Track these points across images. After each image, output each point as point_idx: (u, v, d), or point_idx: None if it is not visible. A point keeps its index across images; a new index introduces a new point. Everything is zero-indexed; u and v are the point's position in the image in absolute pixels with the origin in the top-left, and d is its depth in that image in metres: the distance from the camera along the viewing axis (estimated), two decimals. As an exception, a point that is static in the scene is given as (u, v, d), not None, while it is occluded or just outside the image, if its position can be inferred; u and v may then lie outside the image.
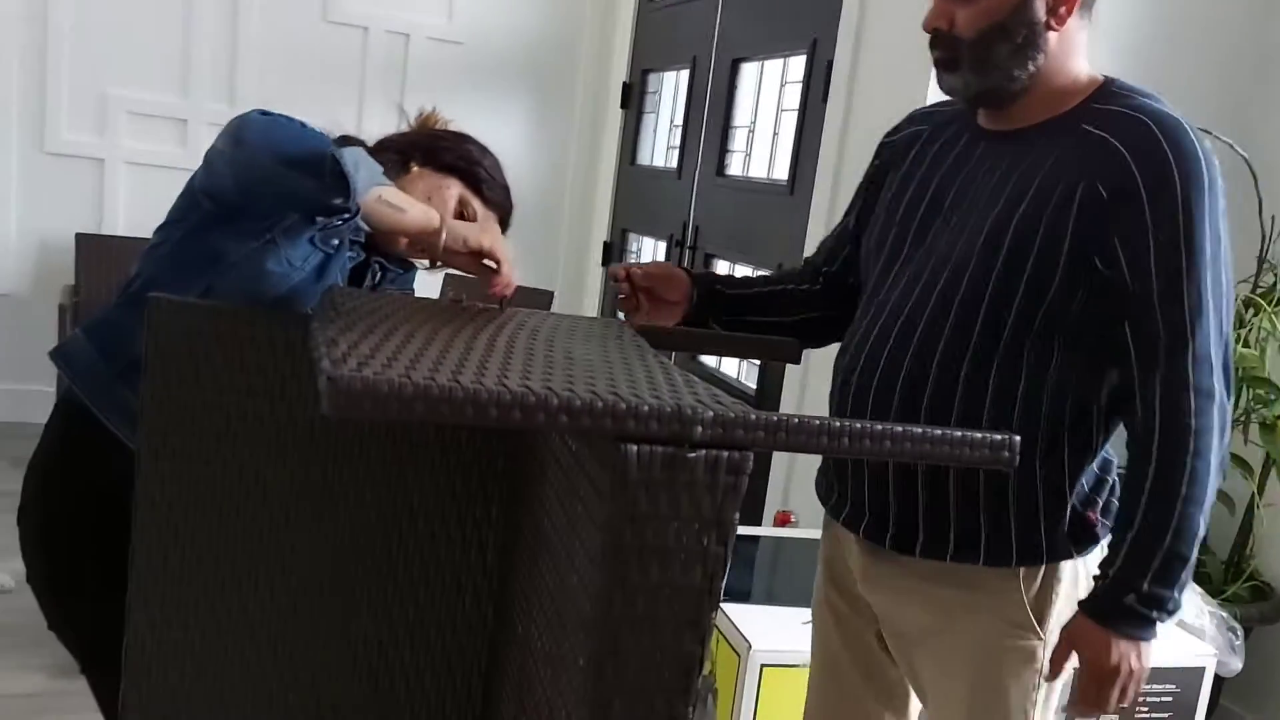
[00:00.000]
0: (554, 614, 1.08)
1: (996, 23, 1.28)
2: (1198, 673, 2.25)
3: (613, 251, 4.75)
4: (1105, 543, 1.34)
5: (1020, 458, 1.27)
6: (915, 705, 1.56)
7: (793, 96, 3.39)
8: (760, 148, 3.67)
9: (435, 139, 1.55)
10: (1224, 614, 2.37)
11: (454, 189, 1.50)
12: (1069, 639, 1.30)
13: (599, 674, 0.82)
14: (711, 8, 3.90)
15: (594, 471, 0.90)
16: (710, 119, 3.89)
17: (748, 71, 3.76)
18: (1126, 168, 1.22)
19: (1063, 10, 1.29)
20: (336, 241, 1.42)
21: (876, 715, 1.55)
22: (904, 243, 1.42)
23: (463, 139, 1.56)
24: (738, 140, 3.81)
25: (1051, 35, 1.29)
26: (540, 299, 4.36)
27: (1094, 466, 1.37)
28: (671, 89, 4.36)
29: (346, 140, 1.50)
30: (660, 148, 4.46)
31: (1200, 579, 2.56)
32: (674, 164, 4.18)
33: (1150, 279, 1.22)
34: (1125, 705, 1.29)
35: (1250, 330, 2.64)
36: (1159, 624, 1.26)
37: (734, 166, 3.82)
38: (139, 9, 4.25)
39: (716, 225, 3.83)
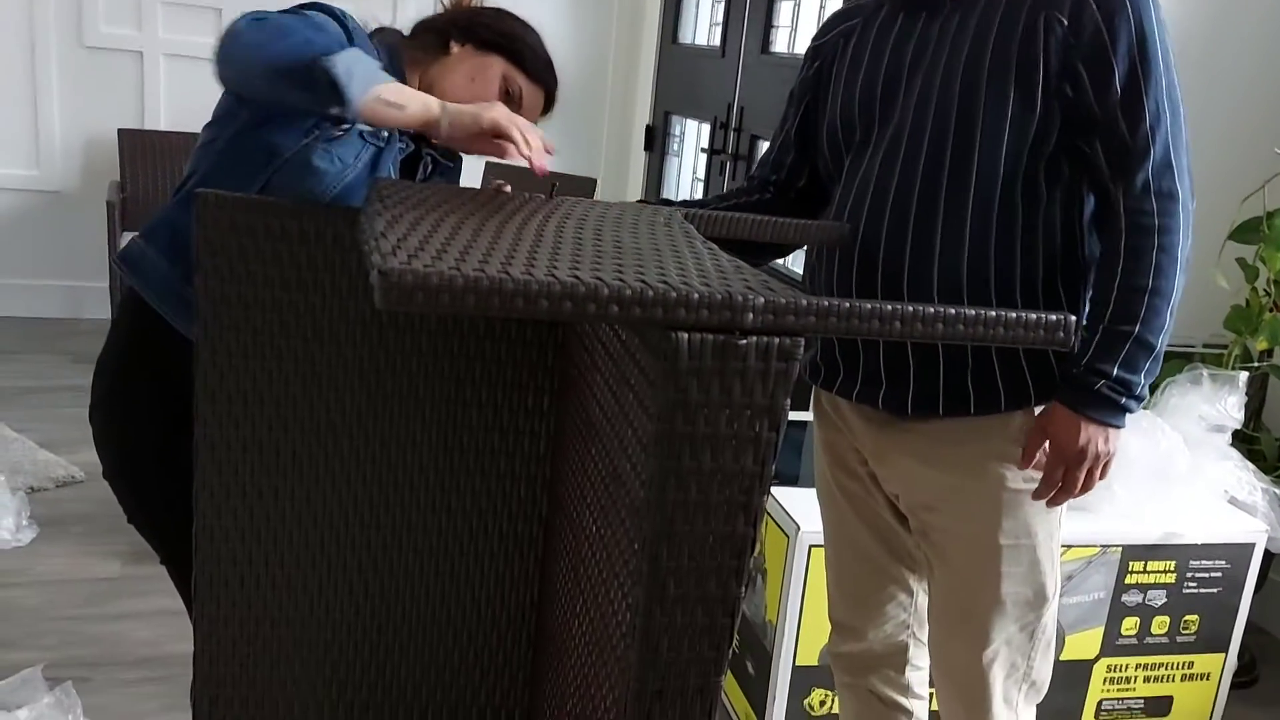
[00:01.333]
0: (606, 499, 1.10)
1: None
2: (1248, 548, 2.26)
3: (655, 135, 4.67)
4: None
5: (1025, 301, 1.34)
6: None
7: (840, -33, 3.26)
8: (806, 23, 3.55)
9: (474, 16, 1.51)
10: (1276, 490, 2.36)
11: (497, 67, 1.46)
12: (1040, 425, 1.37)
13: (654, 557, 0.83)
14: (754, -125, 3.73)
15: (645, 361, 0.91)
16: (754, -7, 3.76)
17: (792, -58, 3.62)
18: None
19: None
20: (386, 133, 1.40)
21: (900, 578, 1.60)
22: (873, 123, 1.44)
23: (503, 15, 1.52)
24: (783, 15, 3.68)
25: None
26: (583, 186, 4.32)
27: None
28: (713, -38, 4.22)
29: (380, 31, 1.47)
30: (703, 25, 4.34)
31: (1254, 456, 2.55)
32: (717, 42, 4.07)
33: (1112, 94, 1.29)
34: (1090, 488, 1.36)
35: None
36: (1127, 412, 1.33)
37: (779, 43, 3.71)
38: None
39: (762, 105, 3.74)
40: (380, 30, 1.47)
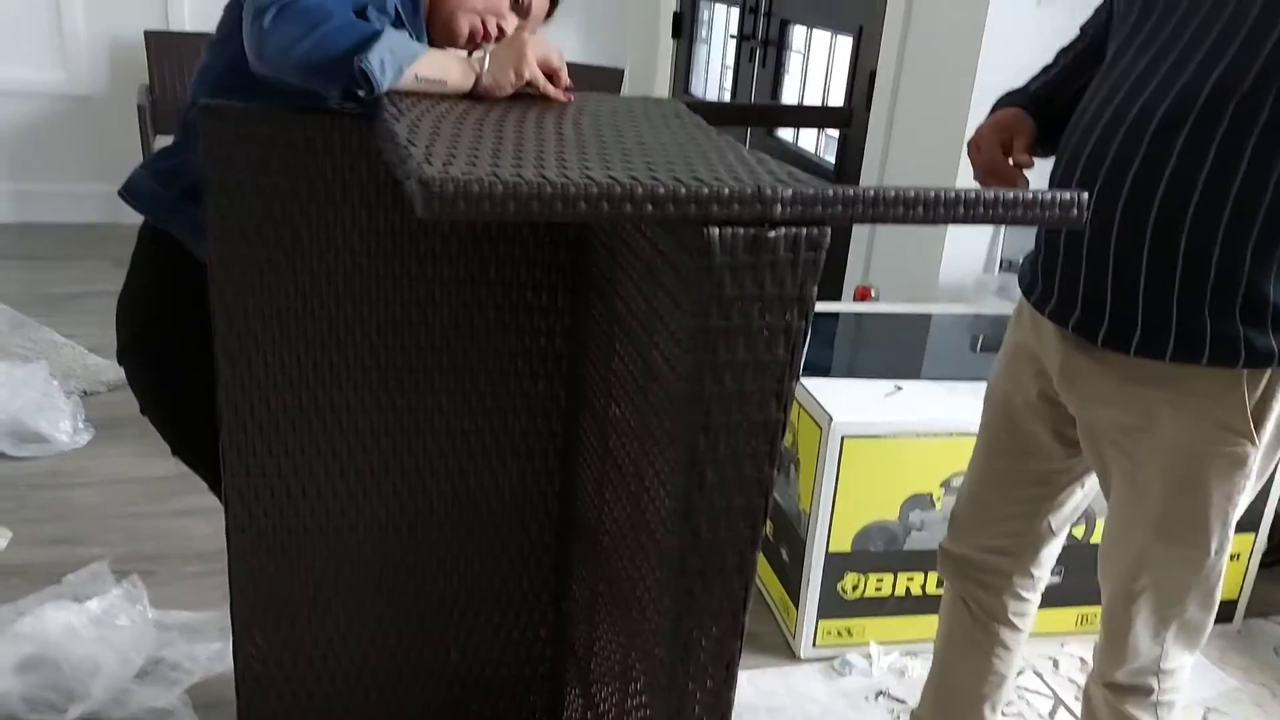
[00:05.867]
0: (638, 393, 1.13)
1: None
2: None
3: (684, 22, 4.57)
4: None
5: (1256, 255, 1.20)
6: (1068, 491, 1.55)
7: None
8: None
9: None
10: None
11: None
12: None
13: (691, 446, 0.87)
14: None
15: (676, 256, 0.93)
16: None
17: None
18: None
19: None
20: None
21: (1023, 499, 1.55)
22: (1152, 10, 1.28)
23: None
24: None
25: None
26: (611, 78, 4.26)
27: None
28: None
29: None
30: (732, -97, 4.21)
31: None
32: (746, -80, 3.95)
33: None
34: None
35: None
36: None
37: (811, -80, 3.59)
38: None
39: (793, -14, 3.65)
40: None
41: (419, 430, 1.52)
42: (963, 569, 1.63)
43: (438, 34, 1.45)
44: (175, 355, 1.51)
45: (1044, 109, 1.44)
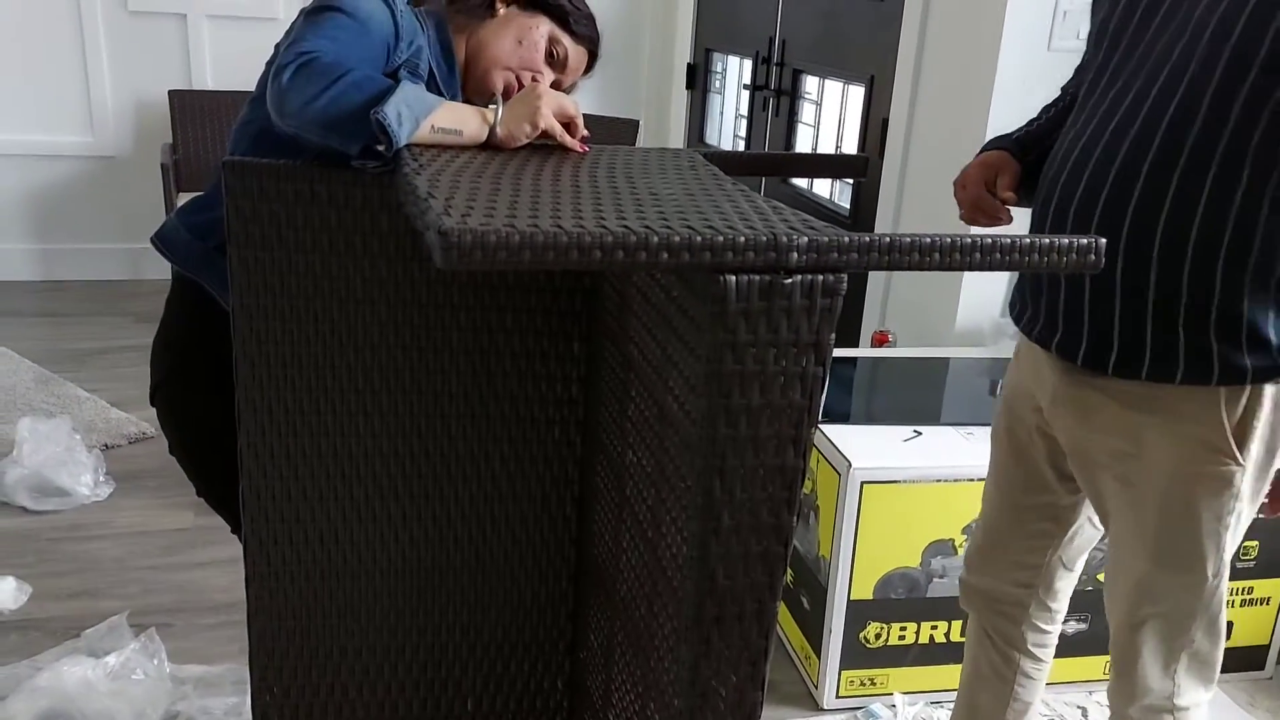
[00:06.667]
0: (654, 438, 1.13)
1: None
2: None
3: (697, 73, 4.63)
4: None
5: (1228, 273, 1.23)
6: (1076, 526, 1.56)
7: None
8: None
9: None
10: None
11: (543, 28, 1.48)
12: None
13: (707, 491, 0.87)
14: None
15: (689, 303, 0.93)
16: (793, -77, 3.70)
17: None
18: None
19: None
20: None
21: (1037, 533, 1.56)
22: (1116, 51, 1.34)
23: None
24: (822, -54, 3.62)
25: None
26: (626, 129, 4.31)
27: None
28: (750, -107, 4.13)
29: (418, 3, 1.46)
30: (740, -41, 4.27)
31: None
32: (756, -25, 4.01)
33: None
34: None
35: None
36: None
37: (820, -26, 3.65)
38: None
39: (804, 38, 3.69)
40: (418, 2, 1.48)
41: (436, 477, 1.52)
42: (983, 600, 1.66)
43: (473, 92, 1.47)
44: (203, 398, 1.53)
45: (1028, 153, 1.49)
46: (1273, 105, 1.17)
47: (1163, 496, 1.33)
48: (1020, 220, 1.43)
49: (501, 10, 1.48)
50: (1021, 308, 1.47)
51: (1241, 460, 1.29)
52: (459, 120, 1.25)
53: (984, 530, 1.64)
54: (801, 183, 3.79)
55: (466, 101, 1.43)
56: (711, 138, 4.62)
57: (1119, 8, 1.35)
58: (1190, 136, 1.22)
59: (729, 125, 4.47)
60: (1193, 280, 1.24)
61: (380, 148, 1.18)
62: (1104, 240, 0.88)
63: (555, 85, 1.50)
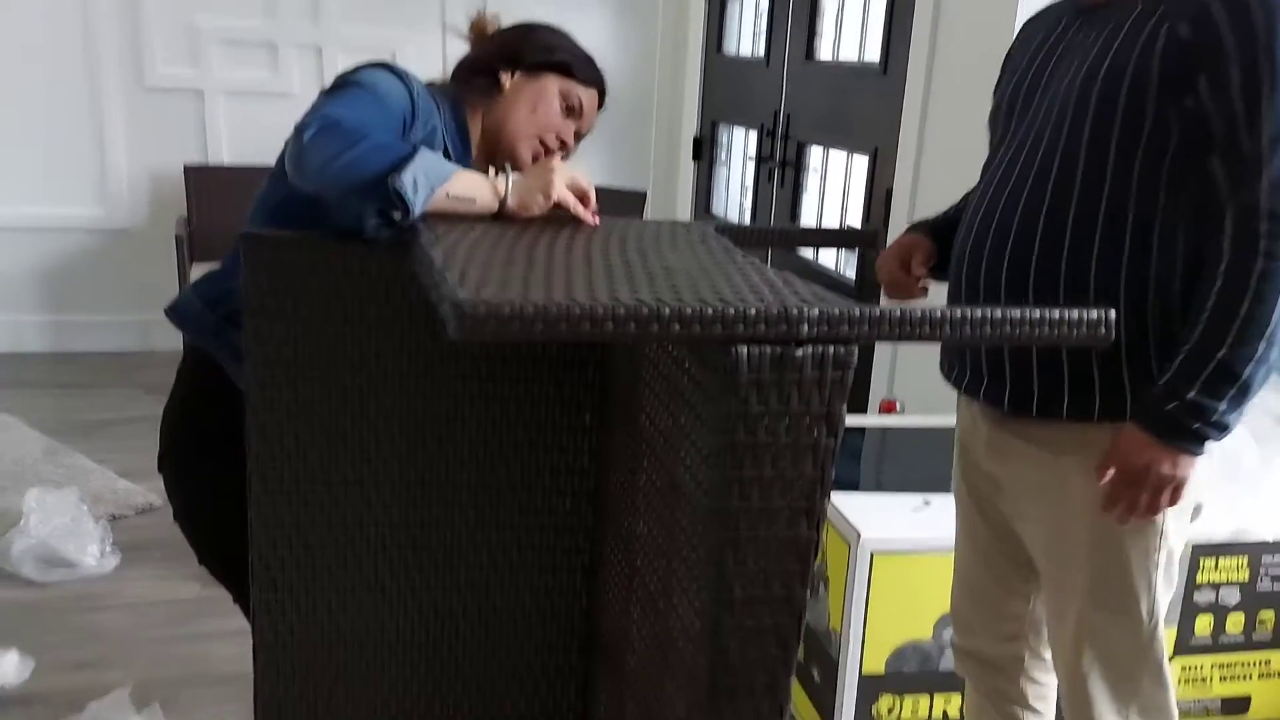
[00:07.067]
0: (664, 510, 1.13)
1: None
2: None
3: (704, 145, 4.70)
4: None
5: (1130, 312, 1.31)
6: None
7: (881, -30, 3.27)
8: (850, 28, 3.57)
9: (512, 44, 1.55)
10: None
11: (552, 87, 1.51)
12: (1112, 443, 1.33)
13: (719, 563, 0.86)
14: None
15: (701, 375, 0.94)
16: (797, 1, 3.78)
17: (833, -52, 3.63)
18: (1204, 4, 1.24)
19: None
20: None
21: (1016, 586, 1.59)
22: (1010, 120, 1.46)
23: (533, 30, 1.56)
24: (826, 22, 3.70)
25: None
26: (633, 200, 4.36)
27: None
28: (755, -27, 4.24)
29: (431, 86, 1.49)
30: (746, 35, 4.36)
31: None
32: (761, 51, 4.09)
33: (1232, 106, 1.23)
34: (1156, 511, 1.32)
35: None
36: (1204, 439, 1.27)
37: (824, 50, 3.72)
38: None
39: (808, 111, 3.75)
40: (431, 84, 1.50)
41: (445, 547, 1.52)
42: (976, 662, 1.68)
43: (502, 165, 1.50)
44: (209, 468, 1.53)
45: (943, 234, 1.58)
46: (1144, 144, 1.28)
47: (1091, 534, 1.38)
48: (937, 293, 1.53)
49: (508, 82, 1.51)
50: (949, 365, 1.55)
51: None
52: (472, 189, 1.27)
53: (962, 588, 1.68)
54: (807, 253, 3.83)
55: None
56: (718, 208, 4.67)
57: (1010, 88, 1.47)
58: (1075, 188, 1.33)
59: (735, 197, 4.53)
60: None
61: (396, 215, 1.20)
62: (1113, 312, 0.88)
63: (576, 133, 1.55)
